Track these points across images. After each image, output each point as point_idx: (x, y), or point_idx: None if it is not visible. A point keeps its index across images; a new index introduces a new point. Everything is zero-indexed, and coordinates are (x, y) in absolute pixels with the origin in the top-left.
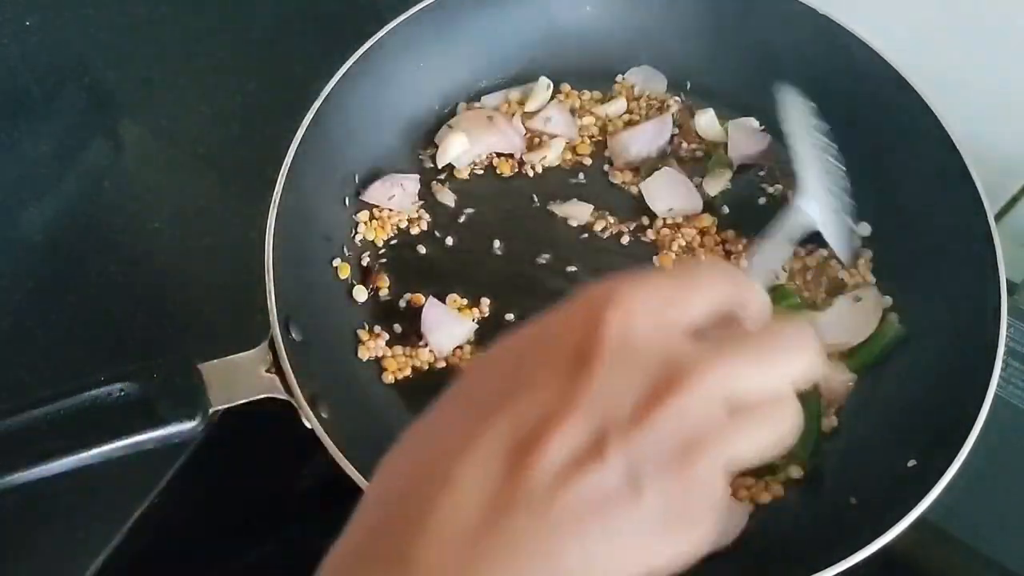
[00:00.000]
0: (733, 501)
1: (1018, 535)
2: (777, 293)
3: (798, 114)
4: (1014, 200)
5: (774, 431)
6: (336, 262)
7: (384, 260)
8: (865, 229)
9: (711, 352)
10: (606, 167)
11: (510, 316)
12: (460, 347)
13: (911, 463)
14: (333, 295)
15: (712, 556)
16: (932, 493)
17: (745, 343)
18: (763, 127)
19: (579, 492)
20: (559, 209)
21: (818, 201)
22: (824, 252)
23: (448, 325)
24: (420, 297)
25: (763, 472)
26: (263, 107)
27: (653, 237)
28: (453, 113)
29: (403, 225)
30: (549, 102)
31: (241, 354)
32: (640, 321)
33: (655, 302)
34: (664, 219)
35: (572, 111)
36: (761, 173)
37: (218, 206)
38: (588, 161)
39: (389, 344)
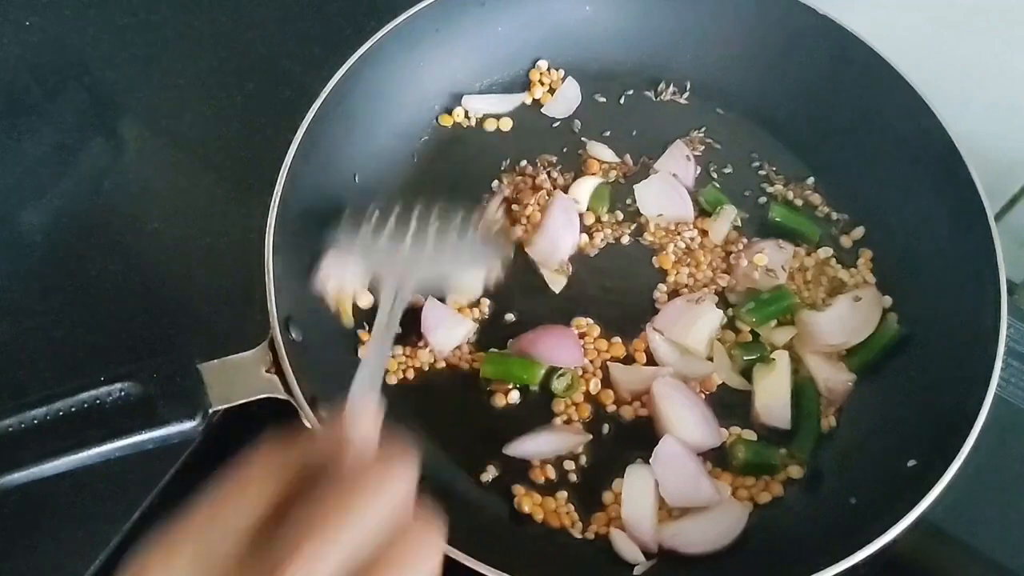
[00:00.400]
0: (733, 501)
1: (1018, 535)
2: (776, 293)
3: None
4: (1014, 200)
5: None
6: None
7: None
8: (858, 234)
9: (291, 541)
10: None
11: (510, 316)
12: (459, 347)
13: (911, 463)
14: None
15: (712, 556)
16: (932, 493)
17: (326, 505)
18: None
19: None
20: None
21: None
22: (823, 253)
23: (448, 324)
24: (420, 298)
25: (763, 472)
26: (263, 107)
27: (650, 239)
28: (451, 113)
29: None
30: None
31: (241, 354)
32: (181, 560)
33: (193, 535)
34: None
35: None
36: (762, 173)
37: (218, 206)
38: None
39: None
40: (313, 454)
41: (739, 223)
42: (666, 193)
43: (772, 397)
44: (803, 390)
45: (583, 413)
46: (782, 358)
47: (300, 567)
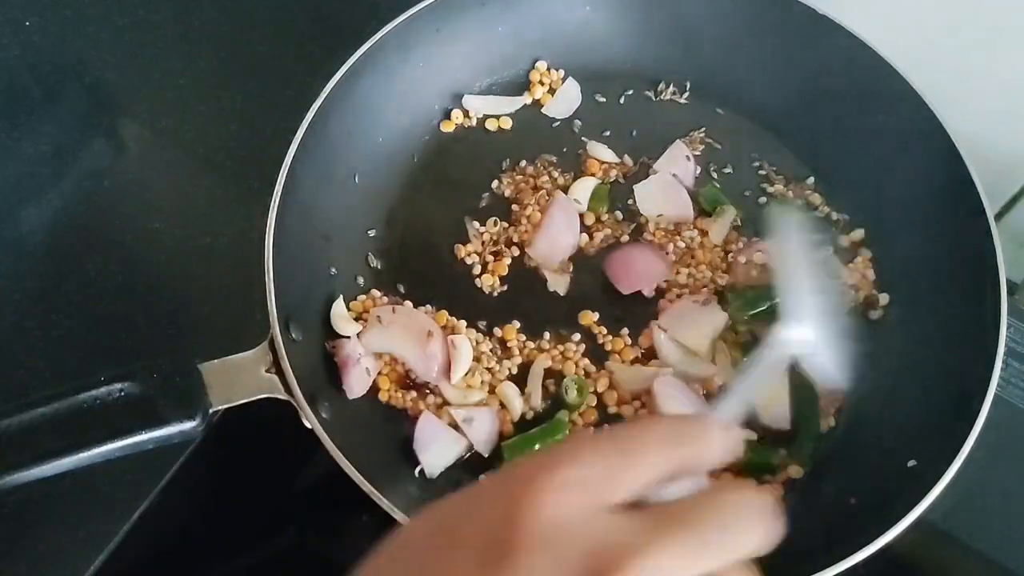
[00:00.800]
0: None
1: (1018, 535)
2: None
3: (793, 235)
4: (1014, 200)
5: None
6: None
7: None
8: (858, 234)
9: (646, 536)
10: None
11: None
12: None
13: (911, 463)
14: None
15: None
16: (932, 493)
17: (686, 522)
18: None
19: None
20: None
21: (806, 330)
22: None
23: (442, 443)
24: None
25: (763, 472)
26: (263, 107)
27: (650, 239)
28: (450, 113)
29: None
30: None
31: (241, 354)
32: (567, 502)
33: (587, 478)
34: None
35: None
36: (762, 173)
37: (218, 206)
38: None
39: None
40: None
41: (739, 223)
42: (666, 193)
43: (771, 398)
44: (803, 390)
45: (589, 417)
46: None
47: (646, 567)
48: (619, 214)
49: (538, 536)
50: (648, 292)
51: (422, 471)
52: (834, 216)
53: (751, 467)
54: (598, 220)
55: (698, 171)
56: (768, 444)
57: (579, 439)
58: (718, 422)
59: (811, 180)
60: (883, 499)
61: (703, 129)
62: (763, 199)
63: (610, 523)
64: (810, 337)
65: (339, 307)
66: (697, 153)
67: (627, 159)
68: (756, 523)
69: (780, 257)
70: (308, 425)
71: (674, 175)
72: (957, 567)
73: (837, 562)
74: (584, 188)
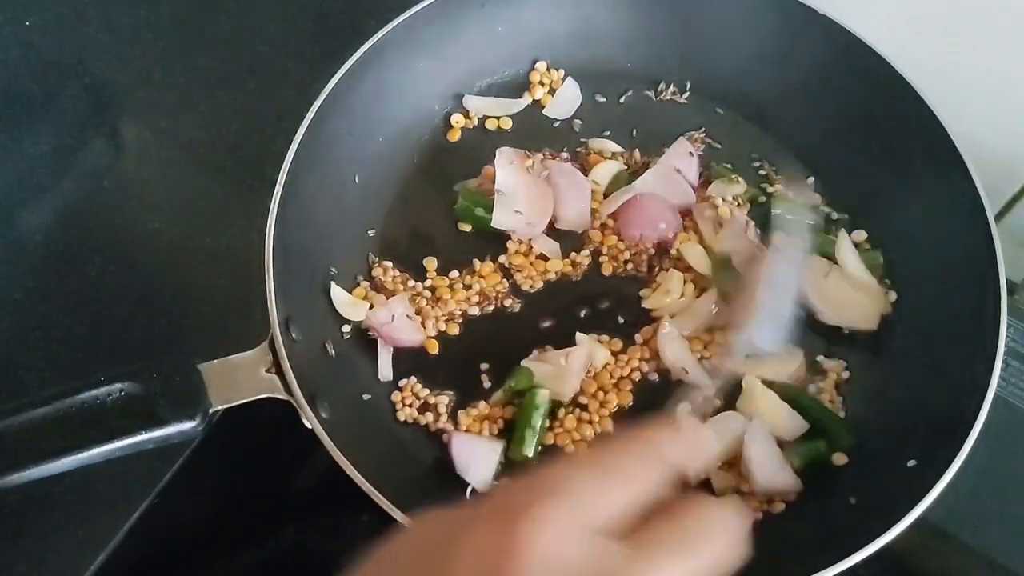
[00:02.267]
0: (736, 501)
1: (1018, 535)
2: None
3: (787, 248)
4: (1014, 200)
5: None
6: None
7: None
8: (858, 234)
9: (637, 561)
10: None
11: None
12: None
13: (911, 463)
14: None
15: None
16: (932, 493)
17: (672, 543)
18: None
19: None
20: None
21: (772, 331)
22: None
23: (481, 455)
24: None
25: (817, 465)
26: (263, 107)
27: None
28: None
29: None
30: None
31: (241, 354)
32: (557, 529)
33: (574, 505)
34: None
35: None
36: (762, 173)
37: (218, 206)
38: None
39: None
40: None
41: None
42: (666, 182)
43: (774, 415)
44: (797, 399)
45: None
46: (751, 383)
47: None
48: None
49: (532, 567)
50: (653, 240)
51: (473, 490)
52: (834, 216)
53: (810, 465)
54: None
55: (700, 170)
56: (805, 441)
57: (564, 464)
58: (694, 427)
59: (811, 180)
60: (883, 499)
61: (703, 129)
62: (763, 199)
63: (600, 549)
64: (769, 338)
65: (340, 293)
66: (699, 152)
67: (636, 154)
68: (734, 537)
69: (769, 269)
70: (308, 425)
71: (677, 170)
72: (957, 567)
73: (837, 562)
74: (604, 171)
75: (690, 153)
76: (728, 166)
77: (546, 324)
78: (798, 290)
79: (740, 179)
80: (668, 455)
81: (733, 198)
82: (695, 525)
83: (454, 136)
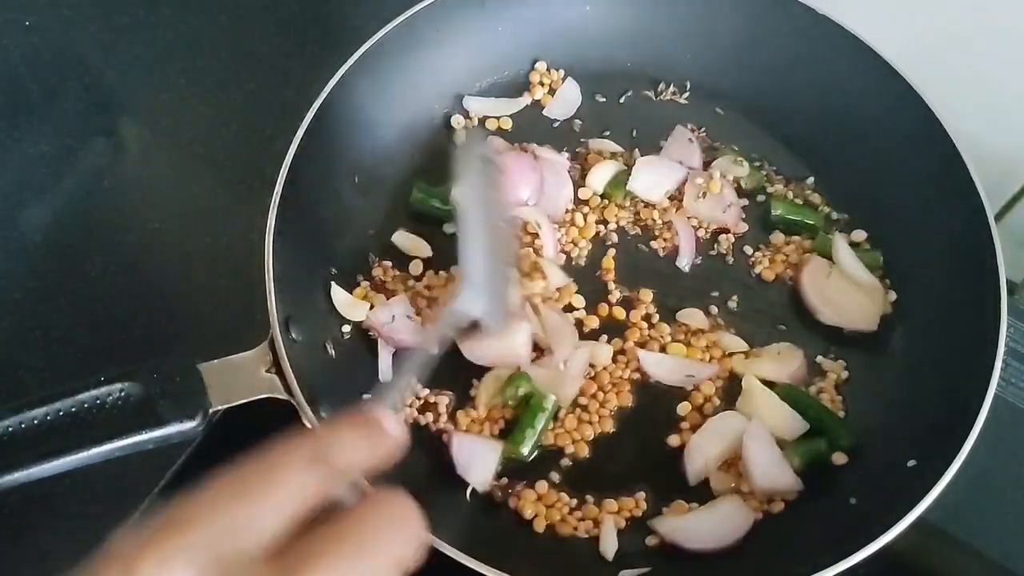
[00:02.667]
0: (738, 501)
1: (1018, 535)
2: None
3: (471, 195)
4: (1014, 200)
5: None
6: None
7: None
8: (858, 234)
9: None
10: None
11: None
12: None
13: (911, 463)
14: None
15: (712, 556)
16: (932, 493)
17: (330, 550)
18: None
19: None
20: None
21: (482, 296)
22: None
23: (480, 454)
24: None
25: (818, 463)
26: (263, 107)
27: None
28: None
29: None
30: None
31: (241, 354)
32: (186, 562)
33: (209, 536)
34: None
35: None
36: (762, 173)
37: (218, 206)
38: None
39: None
40: (344, 454)
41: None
42: (662, 168)
43: (774, 415)
44: (797, 399)
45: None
46: (750, 382)
47: None
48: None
49: None
50: (520, 201)
51: (473, 490)
52: (834, 216)
53: (810, 463)
54: (615, 205)
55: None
56: (805, 441)
57: (202, 492)
58: (378, 421)
59: (811, 180)
60: (883, 499)
61: (703, 129)
62: (763, 198)
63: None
64: (484, 303)
65: (340, 293)
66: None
67: (636, 154)
68: (399, 533)
69: (461, 231)
70: (308, 425)
71: (680, 162)
72: (957, 567)
73: (837, 562)
74: (602, 173)
75: (689, 140)
76: (736, 147)
77: None
78: (503, 253)
79: (744, 162)
80: (334, 458)
81: (733, 179)
82: (362, 527)
83: (454, 136)
